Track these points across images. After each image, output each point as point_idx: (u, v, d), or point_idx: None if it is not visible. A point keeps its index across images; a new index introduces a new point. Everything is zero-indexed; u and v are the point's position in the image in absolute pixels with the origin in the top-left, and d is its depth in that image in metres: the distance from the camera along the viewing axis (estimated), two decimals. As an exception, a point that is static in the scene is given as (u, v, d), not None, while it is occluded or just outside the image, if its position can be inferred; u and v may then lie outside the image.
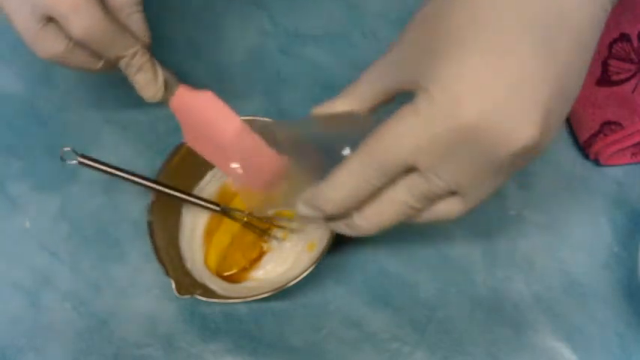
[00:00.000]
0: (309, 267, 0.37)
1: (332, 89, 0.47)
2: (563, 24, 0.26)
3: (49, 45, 0.35)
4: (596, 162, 0.44)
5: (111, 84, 0.48)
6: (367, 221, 0.30)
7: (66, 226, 0.45)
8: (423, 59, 0.27)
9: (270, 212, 0.41)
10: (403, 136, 0.27)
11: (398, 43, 0.30)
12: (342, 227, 0.32)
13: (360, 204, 0.30)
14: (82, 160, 0.37)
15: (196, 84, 0.47)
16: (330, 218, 0.31)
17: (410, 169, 0.28)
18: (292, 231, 0.42)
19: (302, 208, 0.32)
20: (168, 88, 0.38)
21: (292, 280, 0.37)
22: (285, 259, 0.42)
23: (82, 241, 0.44)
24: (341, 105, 0.32)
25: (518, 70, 0.25)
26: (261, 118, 0.41)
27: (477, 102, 0.25)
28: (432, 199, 0.29)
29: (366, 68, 0.32)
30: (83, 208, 0.45)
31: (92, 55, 0.37)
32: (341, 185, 0.29)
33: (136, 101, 0.48)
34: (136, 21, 0.37)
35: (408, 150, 0.27)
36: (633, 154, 0.43)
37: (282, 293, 0.38)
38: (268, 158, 0.32)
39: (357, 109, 0.32)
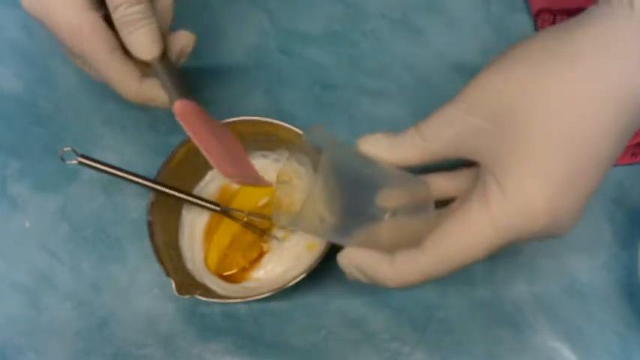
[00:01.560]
0: (309, 267, 0.37)
1: (332, 89, 0.48)
2: (630, 112, 0.26)
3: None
4: (596, 162, 0.44)
5: (111, 84, 0.48)
6: None
7: (66, 226, 0.45)
8: (494, 141, 0.27)
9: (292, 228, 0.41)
10: (474, 242, 0.28)
11: (466, 104, 0.29)
12: None
13: None
14: (82, 160, 0.37)
15: (196, 84, 0.48)
16: None
17: None
18: (292, 231, 0.42)
19: (356, 274, 0.32)
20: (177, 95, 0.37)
21: (292, 280, 0.37)
22: (285, 259, 0.42)
23: (82, 241, 0.44)
24: (393, 154, 0.31)
25: (587, 170, 0.26)
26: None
27: (550, 214, 0.26)
28: None
29: (433, 119, 0.30)
30: (83, 208, 0.45)
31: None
32: (407, 278, 0.30)
33: (136, 101, 0.48)
34: (143, 34, 0.35)
35: (477, 256, 0.28)
36: (633, 154, 0.43)
37: (282, 293, 0.38)
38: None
39: (416, 162, 0.31)
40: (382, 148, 0.32)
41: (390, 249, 0.31)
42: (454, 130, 0.30)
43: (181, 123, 0.35)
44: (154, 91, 0.36)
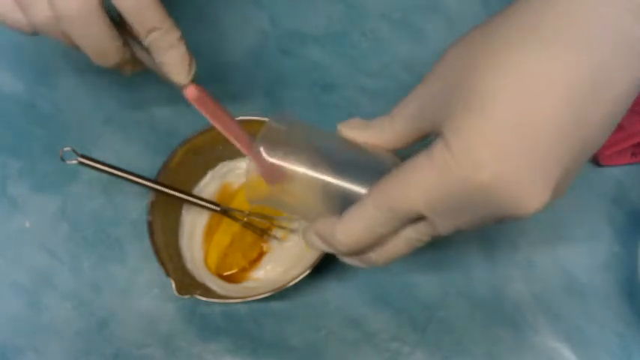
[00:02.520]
0: (309, 267, 0.37)
1: (332, 89, 0.48)
2: (600, 90, 0.25)
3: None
4: (596, 162, 0.44)
5: (111, 84, 0.48)
6: (377, 255, 0.31)
7: (66, 226, 0.45)
8: (448, 103, 0.27)
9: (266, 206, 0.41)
10: (417, 188, 0.27)
11: (430, 78, 0.29)
12: (354, 261, 0.33)
13: (373, 244, 0.31)
14: (82, 160, 0.37)
15: (196, 84, 0.48)
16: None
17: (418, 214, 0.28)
18: (292, 231, 0.42)
19: (315, 241, 0.32)
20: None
21: (292, 280, 0.37)
22: (285, 259, 0.42)
23: (82, 241, 0.44)
24: (372, 137, 0.32)
25: (543, 138, 0.25)
26: (260, 117, 0.41)
27: (495, 166, 0.25)
28: (436, 236, 0.30)
29: (401, 101, 0.31)
30: (83, 208, 0.45)
31: (114, 33, 0.34)
32: (354, 231, 0.30)
33: (136, 101, 0.48)
34: None
35: (420, 203, 0.27)
36: (633, 154, 0.43)
37: (282, 293, 0.38)
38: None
39: (389, 146, 0.32)
40: (358, 131, 0.32)
41: None
42: (415, 102, 0.30)
43: (199, 108, 0.35)
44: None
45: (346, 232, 0.30)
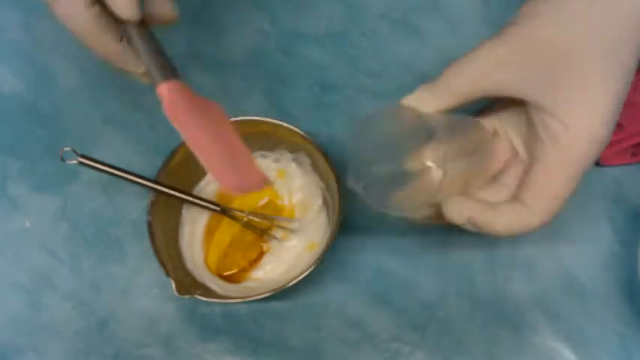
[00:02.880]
0: (309, 267, 0.37)
1: (332, 89, 0.48)
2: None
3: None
4: (596, 162, 0.44)
5: (111, 84, 0.48)
6: None
7: (66, 226, 0.45)
8: (548, 77, 0.30)
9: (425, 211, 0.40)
10: (562, 185, 0.31)
11: (505, 42, 0.32)
12: None
13: None
14: (82, 160, 0.37)
15: (196, 84, 0.48)
16: None
17: None
18: (292, 231, 0.42)
19: (464, 223, 0.33)
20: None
21: (292, 280, 0.37)
22: (285, 259, 0.42)
23: (82, 241, 0.44)
24: (435, 102, 0.33)
25: (617, 111, 0.31)
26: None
27: (605, 139, 0.30)
28: None
29: (462, 60, 0.33)
30: (83, 208, 0.45)
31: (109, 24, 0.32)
32: (512, 225, 0.32)
33: (136, 101, 0.48)
34: None
35: (565, 197, 0.31)
36: (633, 154, 0.43)
37: (282, 293, 0.38)
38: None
39: (448, 106, 0.33)
40: (426, 101, 0.33)
41: (465, 192, 0.33)
42: (489, 62, 0.32)
43: (168, 114, 0.31)
44: (133, 56, 0.33)
45: (506, 224, 0.32)
